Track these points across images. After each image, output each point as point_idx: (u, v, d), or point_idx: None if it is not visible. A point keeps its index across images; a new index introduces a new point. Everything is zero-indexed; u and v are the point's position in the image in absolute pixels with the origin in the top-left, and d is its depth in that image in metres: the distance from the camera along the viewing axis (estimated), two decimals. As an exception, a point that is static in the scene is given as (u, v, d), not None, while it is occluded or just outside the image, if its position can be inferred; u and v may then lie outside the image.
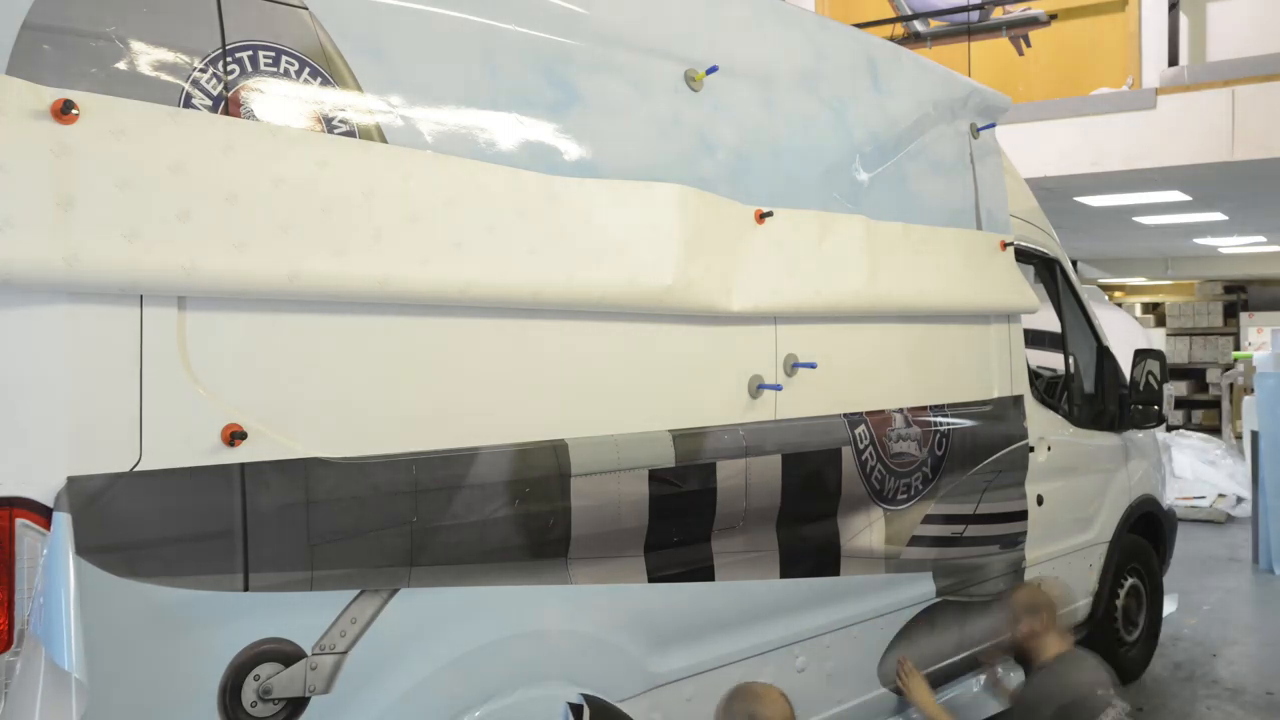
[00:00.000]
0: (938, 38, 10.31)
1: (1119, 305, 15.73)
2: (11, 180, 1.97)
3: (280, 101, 2.36)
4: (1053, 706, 3.70)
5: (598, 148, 2.98)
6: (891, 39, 8.70)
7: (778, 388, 3.51)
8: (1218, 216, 10.90)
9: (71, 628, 1.95)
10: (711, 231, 3.23)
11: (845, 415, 3.79)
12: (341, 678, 2.46)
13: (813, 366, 3.63)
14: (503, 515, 2.72)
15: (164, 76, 2.19)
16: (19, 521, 2.02)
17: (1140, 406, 5.69)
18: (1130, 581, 5.86)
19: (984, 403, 4.56)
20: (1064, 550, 5.21)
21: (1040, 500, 4.92)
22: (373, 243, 2.43)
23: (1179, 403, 16.42)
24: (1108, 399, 5.63)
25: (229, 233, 2.22)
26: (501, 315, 2.75)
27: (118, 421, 2.13)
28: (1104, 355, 5.68)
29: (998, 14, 9.90)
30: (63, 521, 2.02)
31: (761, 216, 3.42)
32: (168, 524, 2.18)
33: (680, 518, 3.20)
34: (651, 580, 3.14)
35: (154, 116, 2.14)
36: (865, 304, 3.82)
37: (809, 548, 3.68)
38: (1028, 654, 4.00)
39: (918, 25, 10.38)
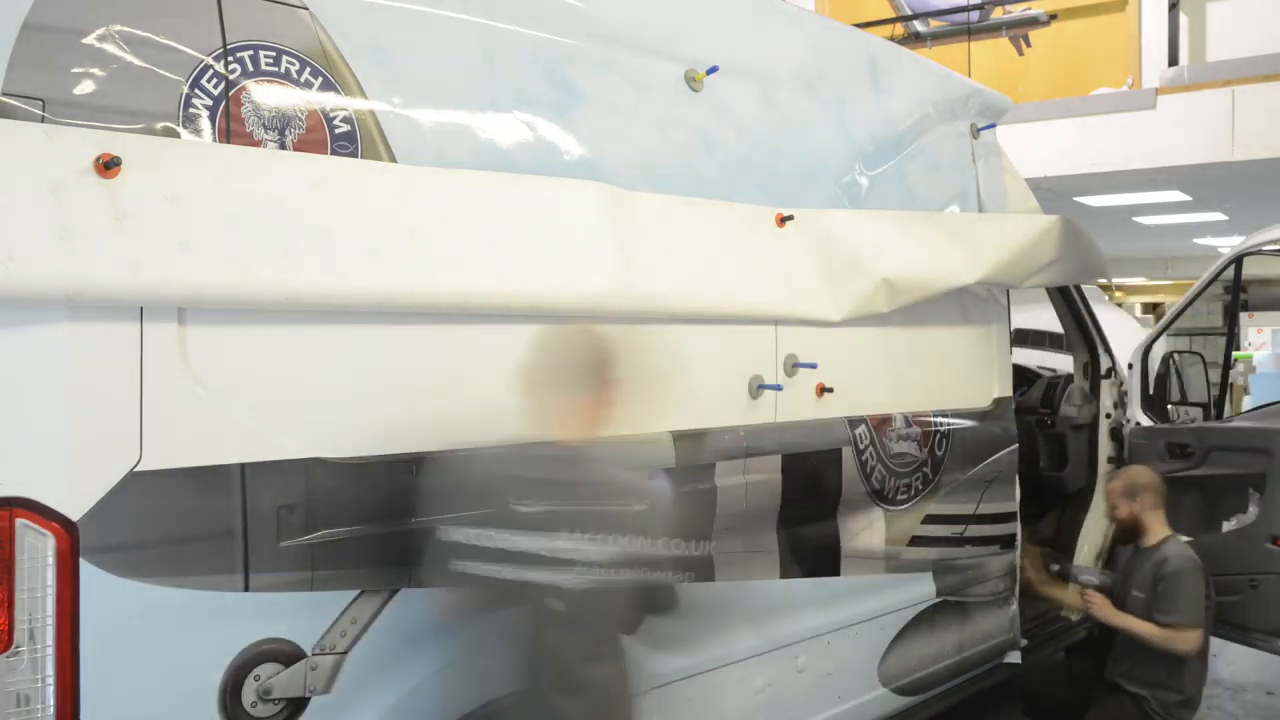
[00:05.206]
0: (938, 38, 10.32)
1: (1119, 305, 15.72)
2: (12, 213, 1.96)
3: (280, 101, 2.36)
4: (1194, 569, 4.05)
5: (597, 147, 2.98)
6: (891, 39, 8.70)
7: (778, 388, 3.50)
8: (1218, 216, 10.91)
9: (77, 628, 1.94)
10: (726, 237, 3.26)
11: (845, 416, 3.79)
12: (341, 678, 2.45)
13: (813, 367, 3.62)
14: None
15: (164, 76, 2.19)
16: (19, 521, 2.01)
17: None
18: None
19: (984, 405, 4.55)
20: (1064, 550, 5.22)
21: (1040, 500, 4.93)
22: (372, 260, 2.43)
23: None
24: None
25: (232, 255, 2.21)
26: (501, 319, 2.74)
27: (118, 421, 2.13)
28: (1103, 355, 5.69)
29: (998, 14, 9.91)
30: (65, 521, 2.01)
31: (782, 220, 3.44)
32: (168, 524, 2.18)
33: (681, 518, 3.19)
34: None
35: (152, 147, 2.13)
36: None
37: (809, 548, 3.68)
38: (1138, 531, 4.26)
39: (918, 25, 10.39)
